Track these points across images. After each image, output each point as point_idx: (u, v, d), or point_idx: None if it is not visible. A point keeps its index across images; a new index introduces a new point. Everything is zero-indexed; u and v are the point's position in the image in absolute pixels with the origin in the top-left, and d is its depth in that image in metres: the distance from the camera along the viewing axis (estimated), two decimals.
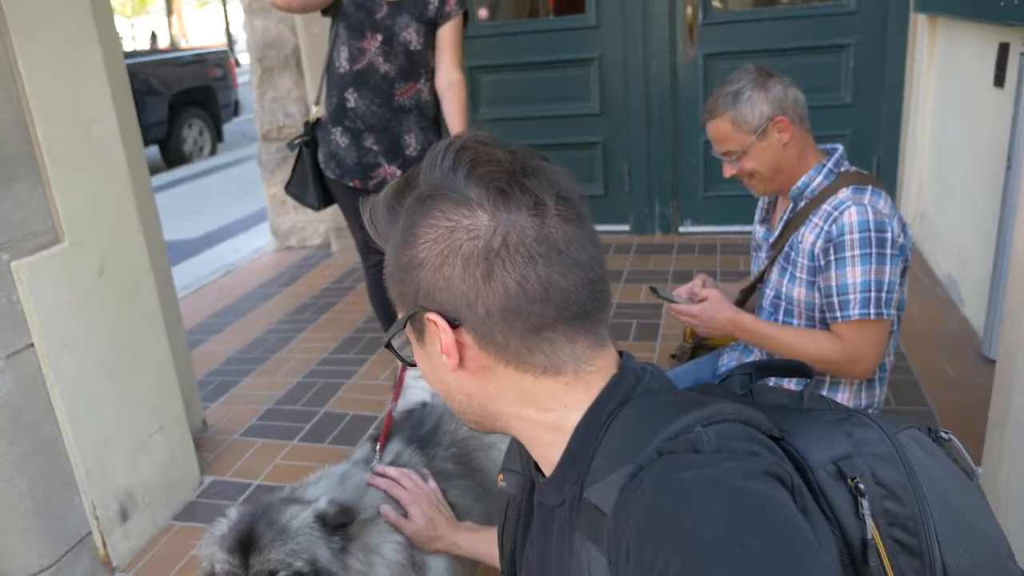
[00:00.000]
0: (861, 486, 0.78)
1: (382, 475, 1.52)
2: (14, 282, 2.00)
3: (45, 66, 2.08)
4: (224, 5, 27.31)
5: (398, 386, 1.69)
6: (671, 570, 0.62)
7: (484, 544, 1.45)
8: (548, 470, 0.86)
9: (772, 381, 1.93)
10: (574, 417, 0.82)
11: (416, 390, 1.78)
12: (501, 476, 1.04)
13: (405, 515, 1.47)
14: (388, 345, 0.89)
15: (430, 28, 2.83)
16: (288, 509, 1.32)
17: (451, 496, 1.57)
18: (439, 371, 0.85)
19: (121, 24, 31.82)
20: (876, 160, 4.38)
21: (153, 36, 24.93)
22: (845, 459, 0.79)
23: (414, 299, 0.82)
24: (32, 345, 2.05)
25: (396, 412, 1.69)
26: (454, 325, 0.80)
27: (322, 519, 1.32)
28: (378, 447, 1.61)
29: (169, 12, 29.33)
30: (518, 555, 0.99)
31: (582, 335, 0.82)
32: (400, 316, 0.85)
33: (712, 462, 0.69)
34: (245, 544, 1.27)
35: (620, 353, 0.88)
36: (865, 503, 0.77)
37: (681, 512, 0.65)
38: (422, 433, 1.67)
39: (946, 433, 0.89)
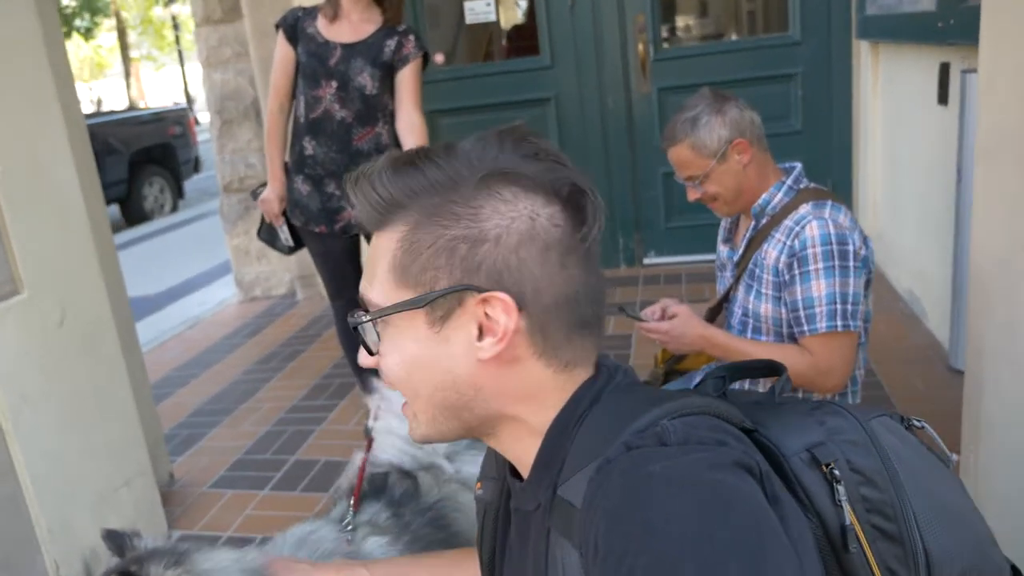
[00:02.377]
0: (836, 472, 0.78)
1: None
2: None
3: (3, 117, 2.07)
4: (182, 65, 27.38)
5: (369, 441, 1.65)
6: (639, 567, 0.61)
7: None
8: (525, 474, 0.86)
9: (746, 384, 1.95)
10: (550, 414, 0.83)
11: (389, 449, 1.70)
12: (479, 484, 1.02)
13: None
14: (357, 327, 0.84)
15: (386, 72, 2.85)
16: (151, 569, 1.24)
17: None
18: (452, 360, 0.81)
19: (79, 88, 31.71)
20: (830, 184, 4.46)
21: (99, 102, 24.78)
22: (818, 446, 0.80)
23: (462, 276, 0.78)
24: None
25: (368, 471, 1.63)
26: (520, 309, 0.78)
27: None
28: (351, 504, 1.56)
29: (127, 75, 29.30)
30: (497, 562, 0.98)
31: (597, 340, 0.85)
32: (415, 294, 0.80)
33: (679, 454, 0.69)
34: None
35: (600, 359, 0.89)
36: (841, 489, 0.77)
37: (648, 507, 0.64)
38: (397, 496, 1.60)
39: (919, 421, 0.90)
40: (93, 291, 2.36)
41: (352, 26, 2.82)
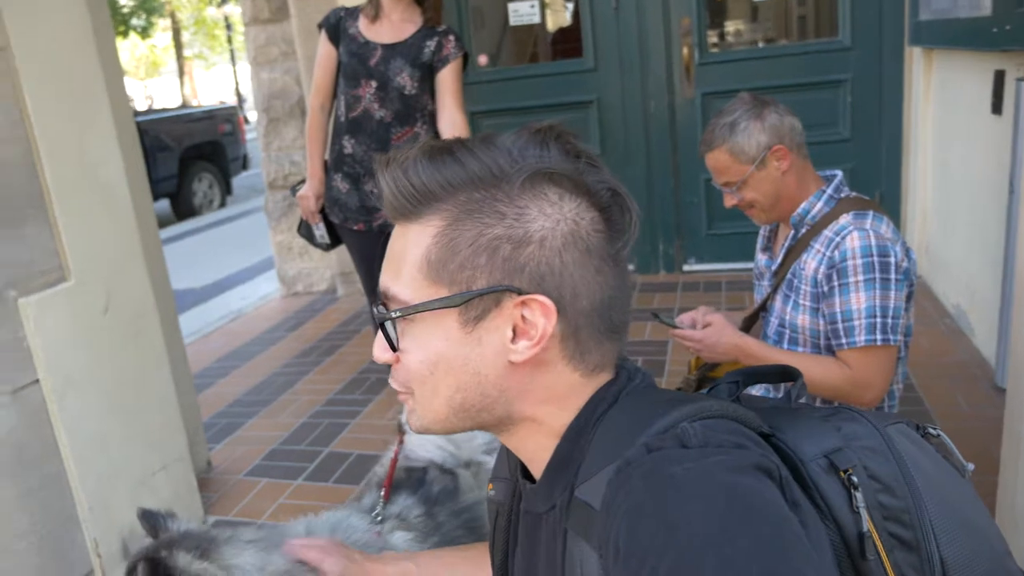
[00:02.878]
0: (854, 478, 0.77)
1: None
2: (21, 319, 2.02)
3: (53, 110, 2.13)
4: (233, 64, 27.86)
5: (402, 435, 1.66)
6: (661, 568, 0.61)
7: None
8: (538, 474, 0.86)
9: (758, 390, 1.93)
10: (567, 417, 0.83)
11: (426, 445, 1.69)
12: (491, 485, 1.02)
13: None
14: (384, 323, 0.81)
15: (425, 73, 2.87)
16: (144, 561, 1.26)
17: None
18: (481, 361, 0.79)
19: (134, 86, 32.48)
20: (879, 194, 4.40)
21: (150, 99, 25.22)
22: (836, 452, 0.78)
23: (502, 277, 0.77)
24: (37, 381, 2.06)
25: (401, 465, 1.63)
26: (559, 312, 0.78)
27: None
28: (382, 495, 1.57)
29: (180, 73, 29.91)
30: (510, 564, 0.97)
31: (621, 347, 0.85)
32: (449, 292, 0.78)
33: (700, 456, 0.68)
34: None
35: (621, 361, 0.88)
36: (859, 495, 0.76)
37: (670, 509, 0.64)
38: (434, 493, 1.60)
39: (935, 429, 0.88)
40: (137, 280, 2.42)
41: (393, 26, 2.85)
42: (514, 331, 0.78)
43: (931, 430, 0.88)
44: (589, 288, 0.78)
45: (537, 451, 0.85)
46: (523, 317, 0.78)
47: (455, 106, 2.90)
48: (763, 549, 0.61)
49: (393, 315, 0.80)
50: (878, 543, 0.76)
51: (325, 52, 2.92)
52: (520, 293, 0.77)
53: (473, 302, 0.77)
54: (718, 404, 0.77)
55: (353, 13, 2.91)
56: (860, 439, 0.80)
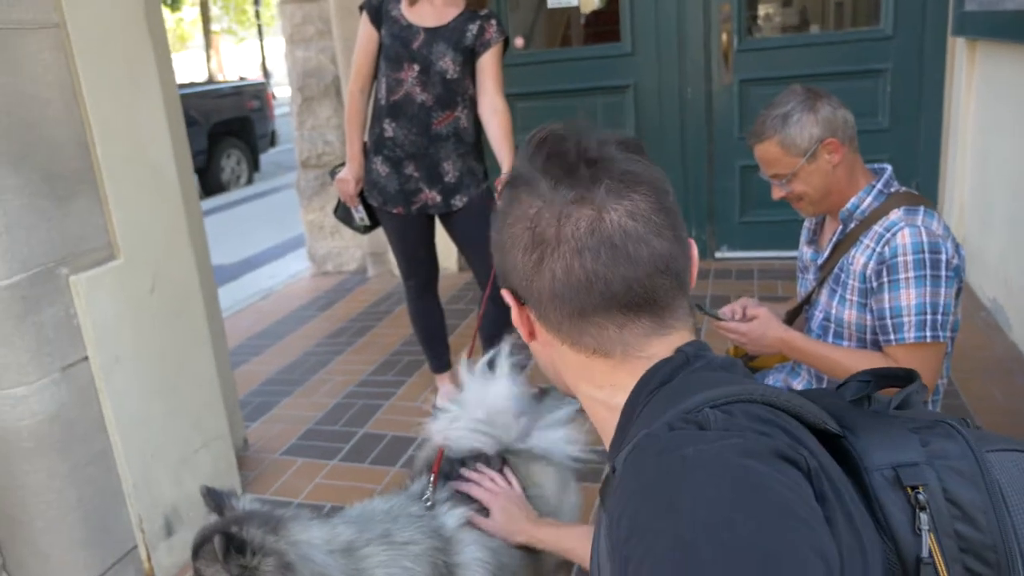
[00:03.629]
0: (921, 497, 0.71)
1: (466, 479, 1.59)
2: (72, 296, 2.05)
3: (106, 89, 2.15)
4: (260, 40, 27.86)
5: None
6: (659, 547, 0.61)
7: (568, 541, 1.46)
8: (606, 445, 0.91)
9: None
10: (621, 396, 0.86)
11: (465, 437, 1.69)
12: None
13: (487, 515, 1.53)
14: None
15: (467, 57, 2.87)
16: (216, 537, 1.29)
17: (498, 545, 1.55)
18: (549, 348, 0.93)
19: None
20: (915, 185, 4.35)
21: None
22: (909, 467, 0.73)
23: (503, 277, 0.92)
24: (87, 358, 2.09)
25: (447, 448, 1.65)
26: (521, 303, 0.90)
27: (226, 553, 1.28)
28: (431, 480, 1.59)
29: (208, 48, 29.94)
30: None
31: (634, 322, 0.85)
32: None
33: (715, 439, 0.68)
34: (194, 551, 1.33)
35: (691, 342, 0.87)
36: (924, 517, 0.71)
37: (676, 491, 0.64)
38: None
39: None
40: (183, 259, 2.44)
41: (435, 10, 2.84)
42: None
43: None
44: (533, 279, 0.86)
45: (603, 423, 0.91)
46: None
47: (496, 91, 2.89)
48: (764, 536, 0.59)
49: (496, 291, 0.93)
50: (942, 572, 0.71)
51: (366, 34, 2.91)
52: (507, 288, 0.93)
53: None
54: (761, 389, 0.75)
55: None
56: (947, 458, 0.74)
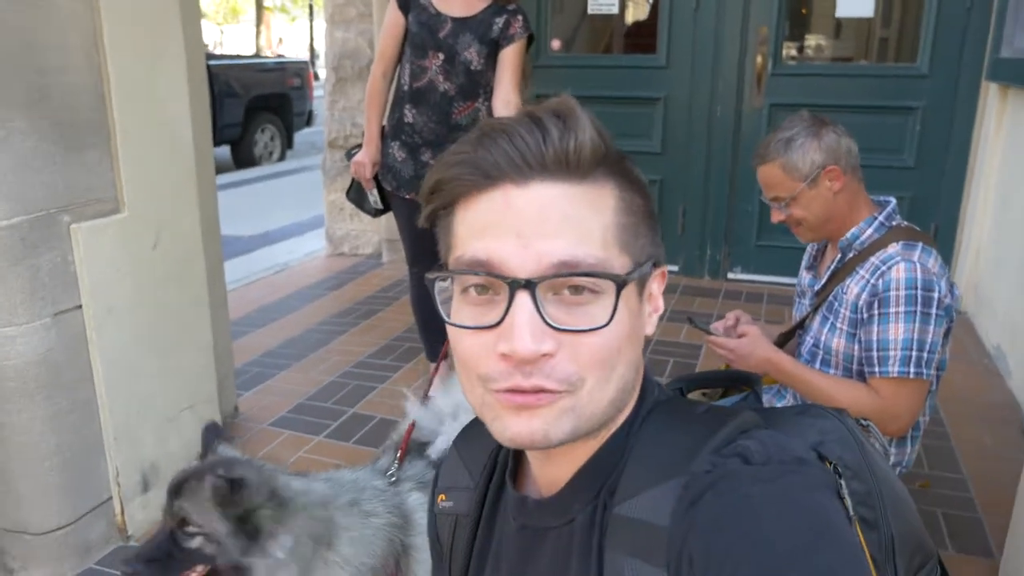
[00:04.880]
0: (840, 468, 0.79)
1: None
2: (71, 244, 2.08)
3: (128, 42, 2.18)
4: (311, 19, 28.12)
5: (434, 373, 1.69)
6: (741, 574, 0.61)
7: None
8: (552, 487, 0.81)
9: None
10: (622, 416, 0.79)
11: (433, 426, 1.75)
12: (442, 496, 0.96)
13: None
14: (621, 290, 0.72)
15: (492, 49, 2.88)
16: (207, 479, 1.32)
17: None
18: (640, 332, 0.77)
19: (211, 30, 32.98)
20: (935, 226, 4.31)
21: (218, 44, 25.14)
22: (820, 445, 0.81)
23: (651, 247, 0.77)
24: (80, 307, 2.12)
25: (415, 438, 1.70)
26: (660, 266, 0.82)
27: (223, 496, 1.32)
28: (397, 457, 1.63)
29: (258, 23, 30.27)
30: None
31: None
32: (633, 262, 0.74)
33: (772, 476, 0.68)
34: (175, 489, 1.35)
35: None
36: (843, 483, 0.78)
37: (751, 527, 0.64)
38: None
39: (865, 421, 0.93)
40: (189, 220, 2.47)
41: (464, 1, 2.86)
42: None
43: (861, 421, 0.92)
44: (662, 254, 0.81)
45: (570, 461, 0.79)
46: (652, 289, 0.80)
47: (511, 86, 2.91)
48: (847, 566, 0.62)
49: (631, 276, 0.72)
50: (857, 527, 0.79)
51: (393, 20, 2.94)
52: (658, 265, 0.79)
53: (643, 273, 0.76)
54: (753, 415, 0.77)
55: None
56: (832, 432, 0.84)
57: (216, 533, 1.30)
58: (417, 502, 1.57)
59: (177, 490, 1.36)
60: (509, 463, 0.89)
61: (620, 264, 0.72)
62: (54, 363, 2.07)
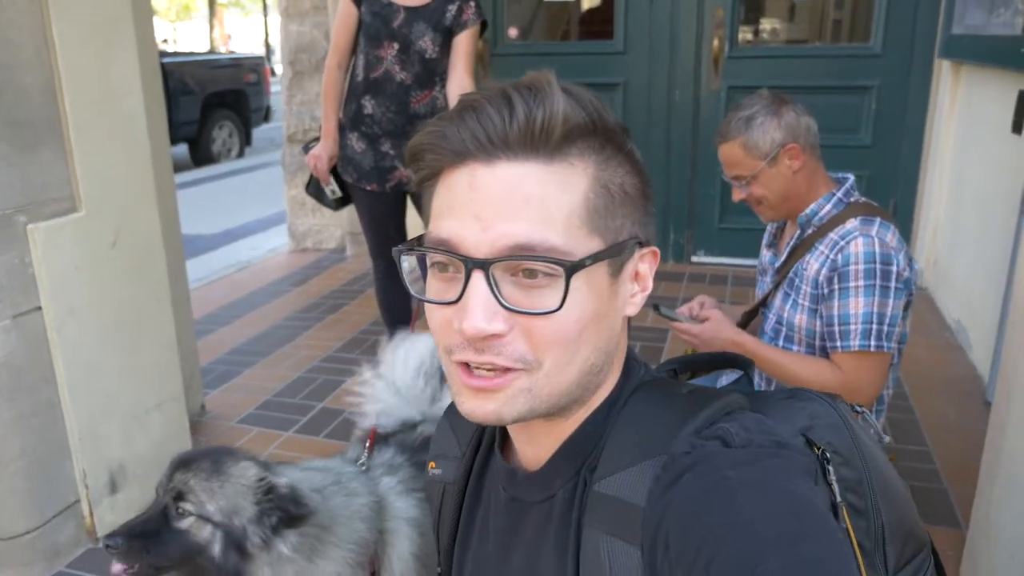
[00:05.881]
0: (828, 453, 0.78)
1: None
2: (28, 244, 2.04)
3: (78, 37, 2.14)
4: (265, 15, 27.75)
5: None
6: (717, 561, 0.61)
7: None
8: (536, 462, 0.82)
9: None
10: (606, 389, 0.80)
11: (391, 415, 1.78)
12: (432, 463, 0.97)
13: None
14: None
15: (446, 36, 2.88)
16: (244, 462, 1.32)
17: (428, 516, 1.59)
18: (616, 315, 0.76)
19: (164, 27, 32.42)
20: (893, 203, 4.38)
21: (173, 41, 24.78)
22: (808, 430, 0.80)
23: (634, 227, 0.75)
24: (39, 308, 2.09)
25: (379, 426, 1.76)
26: (649, 245, 0.79)
27: (268, 489, 1.30)
28: (367, 447, 1.65)
29: (211, 18, 29.81)
30: (459, 547, 0.94)
31: None
32: (604, 243, 0.72)
33: (751, 459, 0.68)
34: (183, 462, 1.30)
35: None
36: (831, 468, 0.77)
37: (730, 508, 0.64)
38: (412, 441, 1.71)
39: (859, 407, 0.92)
40: (147, 217, 2.44)
41: None
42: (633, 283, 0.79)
43: (856, 408, 0.91)
44: (651, 230, 0.79)
45: (552, 437, 0.80)
46: (638, 269, 0.78)
47: (465, 71, 2.91)
48: (829, 554, 0.61)
49: (587, 262, 0.70)
50: (844, 513, 0.78)
51: (347, 11, 2.91)
52: (645, 244, 0.78)
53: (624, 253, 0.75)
54: (734, 397, 0.77)
55: None
56: (822, 417, 0.83)
57: (213, 516, 1.27)
58: (388, 486, 1.59)
59: (184, 464, 1.32)
60: (497, 434, 0.89)
61: (587, 247, 0.71)
62: (15, 366, 2.03)
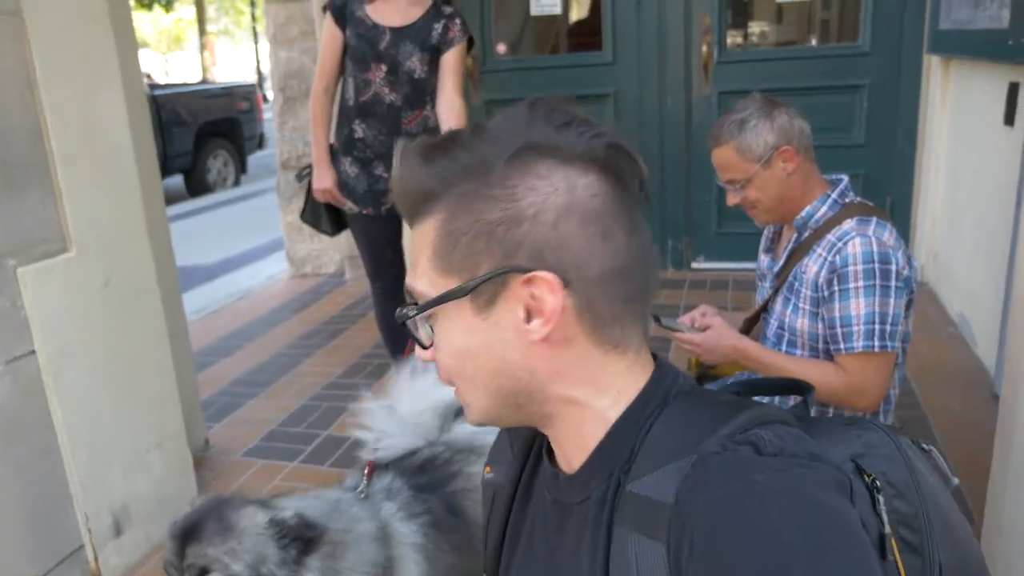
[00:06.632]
0: (878, 482, 0.78)
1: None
2: (19, 288, 2.03)
3: (62, 78, 2.13)
4: (255, 42, 27.89)
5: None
6: (742, 566, 0.61)
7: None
8: (575, 464, 0.83)
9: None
10: (621, 406, 0.80)
11: (396, 444, 1.76)
12: (488, 468, 1.01)
13: None
14: (402, 325, 0.83)
15: (434, 55, 2.87)
16: (245, 509, 1.30)
17: (432, 540, 1.57)
18: (504, 345, 0.79)
19: (155, 59, 32.60)
20: (890, 200, 4.37)
21: (147, 76, 24.81)
22: (860, 457, 0.81)
23: (502, 259, 0.76)
24: (33, 352, 2.07)
25: (379, 457, 1.73)
26: (565, 286, 0.76)
27: (279, 525, 1.29)
28: (365, 473, 1.63)
29: (202, 48, 29.97)
30: (507, 549, 0.96)
31: (642, 319, 0.83)
32: (460, 282, 0.77)
33: (781, 466, 0.68)
34: (188, 534, 1.26)
35: (654, 354, 0.87)
36: (881, 499, 0.78)
37: (755, 514, 0.64)
38: (413, 465, 1.69)
39: (927, 444, 0.90)
40: (140, 254, 2.42)
41: (400, 10, 2.84)
42: (527, 311, 0.77)
43: (924, 446, 0.90)
44: (593, 256, 0.76)
45: (583, 439, 0.82)
46: (532, 295, 0.76)
47: (454, 89, 2.90)
48: (853, 568, 0.61)
49: (409, 314, 0.81)
50: (894, 545, 0.78)
51: (331, 34, 2.91)
52: (523, 271, 0.76)
53: (482, 288, 0.77)
54: (776, 410, 0.77)
55: None
56: (878, 447, 0.83)
57: (265, 564, 1.25)
58: (389, 512, 1.57)
59: (190, 534, 1.29)
60: (546, 440, 0.91)
61: (440, 288, 0.79)
62: (11, 412, 2.01)
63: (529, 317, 0.77)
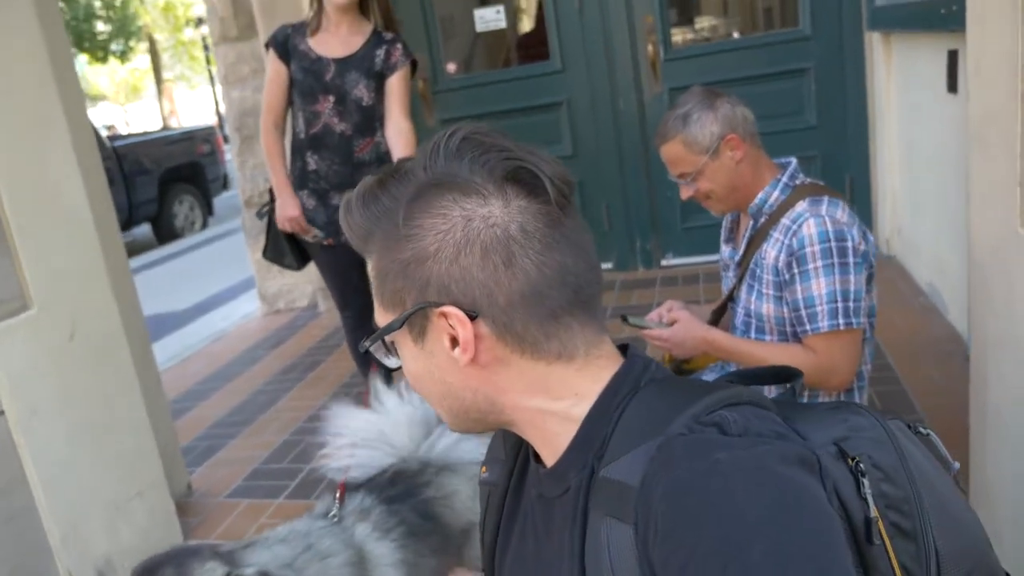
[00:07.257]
0: (862, 466, 0.78)
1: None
2: None
3: (9, 138, 2.13)
4: (212, 84, 27.83)
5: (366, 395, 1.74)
6: (704, 545, 0.62)
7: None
8: (551, 461, 0.85)
9: None
10: (584, 405, 0.82)
11: (378, 453, 1.76)
12: (484, 468, 1.03)
13: None
14: (366, 352, 0.88)
15: (379, 82, 2.89)
16: (207, 564, 1.28)
17: (411, 550, 1.56)
18: (442, 370, 0.83)
19: (115, 111, 32.42)
20: (849, 178, 4.42)
21: (109, 127, 24.64)
22: (844, 441, 0.80)
23: (418, 295, 0.80)
24: (2, 412, 2.05)
25: (351, 477, 1.74)
26: (472, 317, 0.78)
27: None
28: (336, 498, 1.64)
29: (160, 96, 29.88)
30: (500, 545, 0.98)
31: (590, 320, 0.83)
32: (395, 316, 0.82)
33: (744, 445, 0.69)
34: None
35: (626, 345, 0.88)
36: (866, 482, 0.77)
37: (717, 492, 0.64)
38: (383, 481, 1.71)
39: (925, 429, 0.90)
40: (104, 307, 2.40)
41: (342, 40, 2.86)
42: (452, 340, 0.80)
43: (921, 429, 0.90)
44: (500, 284, 0.78)
45: (552, 437, 0.85)
46: (451, 326, 0.80)
47: (401, 113, 2.90)
48: (817, 545, 0.62)
49: (365, 345, 0.88)
50: (881, 529, 0.77)
51: (275, 70, 2.91)
52: (436, 306, 0.79)
53: (411, 320, 0.82)
54: (748, 392, 0.79)
55: (300, 29, 2.91)
56: (864, 430, 0.82)
57: None
58: (364, 534, 1.57)
59: None
60: None
61: (384, 320, 0.85)
62: None
63: (454, 345, 0.80)
